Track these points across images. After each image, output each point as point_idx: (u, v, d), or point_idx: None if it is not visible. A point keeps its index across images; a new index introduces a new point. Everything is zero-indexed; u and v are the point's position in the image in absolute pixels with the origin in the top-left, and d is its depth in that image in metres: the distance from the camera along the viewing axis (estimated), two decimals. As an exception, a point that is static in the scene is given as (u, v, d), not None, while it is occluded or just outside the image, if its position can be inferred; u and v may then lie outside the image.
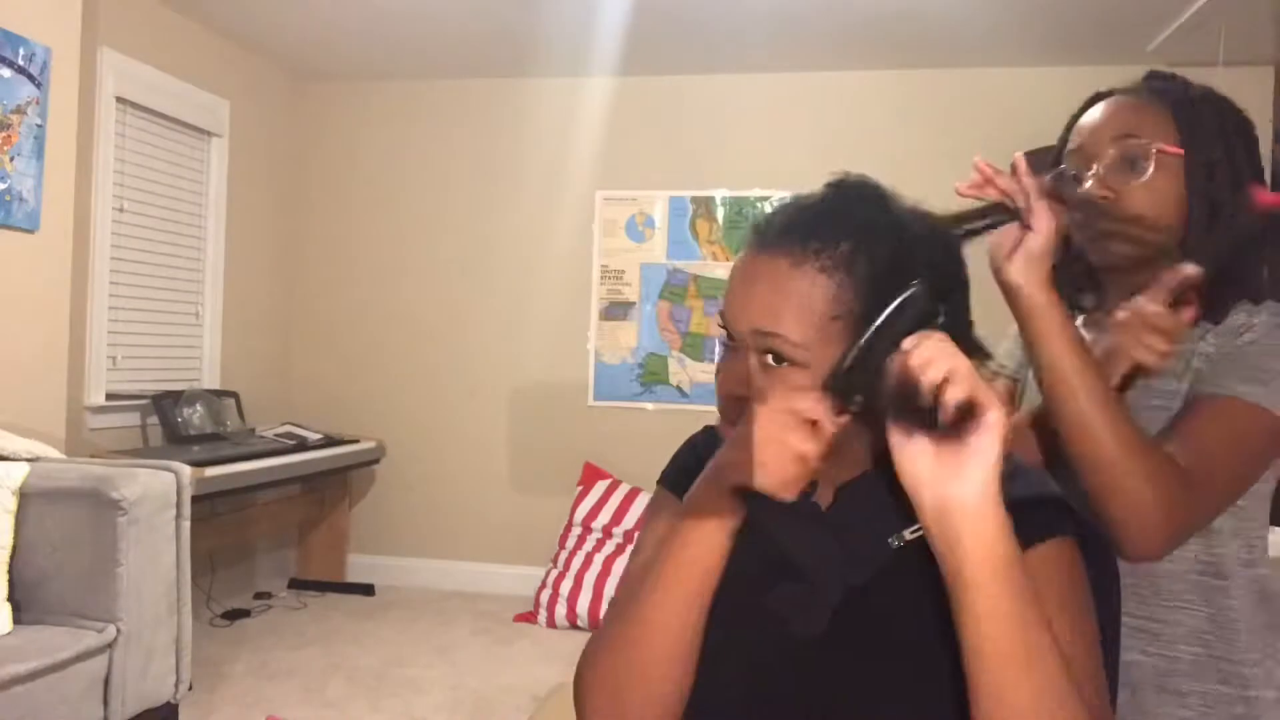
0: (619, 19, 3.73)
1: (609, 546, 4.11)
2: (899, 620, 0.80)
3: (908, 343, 0.70)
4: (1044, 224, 0.93)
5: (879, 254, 0.77)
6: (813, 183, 0.84)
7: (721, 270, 4.35)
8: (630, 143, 4.45)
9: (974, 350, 0.81)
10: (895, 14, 3.58)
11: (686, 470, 0.90)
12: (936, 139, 4.16)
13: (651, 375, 4.42)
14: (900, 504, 0.76)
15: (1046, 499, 0.82)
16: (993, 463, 0.70)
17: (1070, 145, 1.12)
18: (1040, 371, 0.97)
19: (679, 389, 4.39)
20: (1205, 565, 1.05)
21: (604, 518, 4.17)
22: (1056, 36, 3.75)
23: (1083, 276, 1.16)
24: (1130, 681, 1.06)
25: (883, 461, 0.78)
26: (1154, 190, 1.05)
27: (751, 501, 0.82)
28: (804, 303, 0.77)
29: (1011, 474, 0.80)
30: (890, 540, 0.79)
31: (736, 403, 0.81)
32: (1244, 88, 1.20)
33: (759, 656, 0.82)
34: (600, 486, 4.26)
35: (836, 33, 3.81)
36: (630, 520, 4.13)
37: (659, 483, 0.97)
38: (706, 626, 0.84)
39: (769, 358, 0.79)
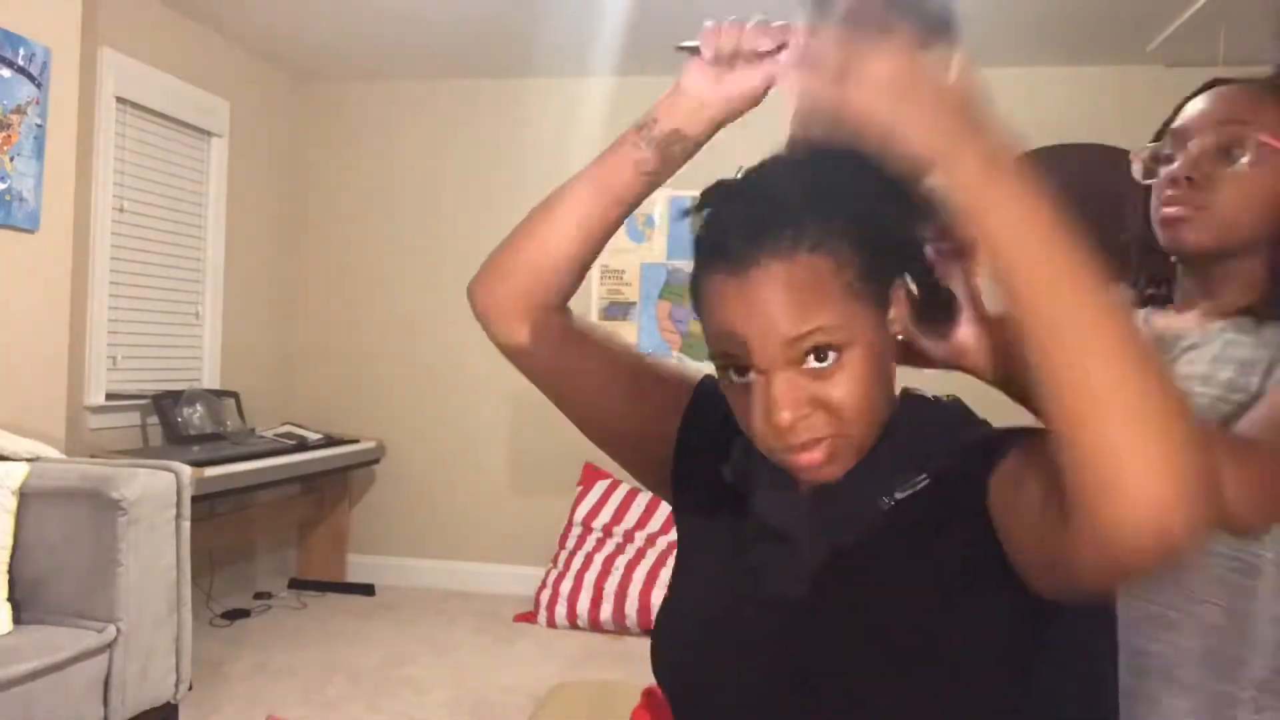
0: (619, 19, 3.72)
1: (609, 546, 4.11)
2: (889, 583, 0.77)
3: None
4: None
5: (858, 208, 0.76)
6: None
7: (721, 270, 4.35)
8: (630, 143, 4.44)
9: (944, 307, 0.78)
10: (895, 14, 3.58)
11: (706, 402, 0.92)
12: (936, 139, 4.16)
13: (651, 375, 4.41)
14: (895, 469, 0.78)
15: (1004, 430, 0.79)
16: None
17: (1174, 124, 1.06)
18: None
19: (679, 389, 4.38)
20: (1237, 564, 1.00)
21: (604, 517, 4.17)
22: (1056, 36, 3.74)
23: (1156, 264, 1.10)
24: (1138, 668, 1.04)
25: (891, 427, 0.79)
26: (1246, 182, 0.98)
27: (736, 469, 0.85)
28: (818, 287, 0.73)
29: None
30: (881, 499, 0.78)
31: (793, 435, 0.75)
32: (1245, 87, 1.18)
33: (738, 615, 0.82)
34: (600, 486, 4.26)
35: (836, 33, 3.81)
36: (630, 520, 4.13)
37: None
38: (684, 582, 0.87)
39: (811, 359, 0.74)
